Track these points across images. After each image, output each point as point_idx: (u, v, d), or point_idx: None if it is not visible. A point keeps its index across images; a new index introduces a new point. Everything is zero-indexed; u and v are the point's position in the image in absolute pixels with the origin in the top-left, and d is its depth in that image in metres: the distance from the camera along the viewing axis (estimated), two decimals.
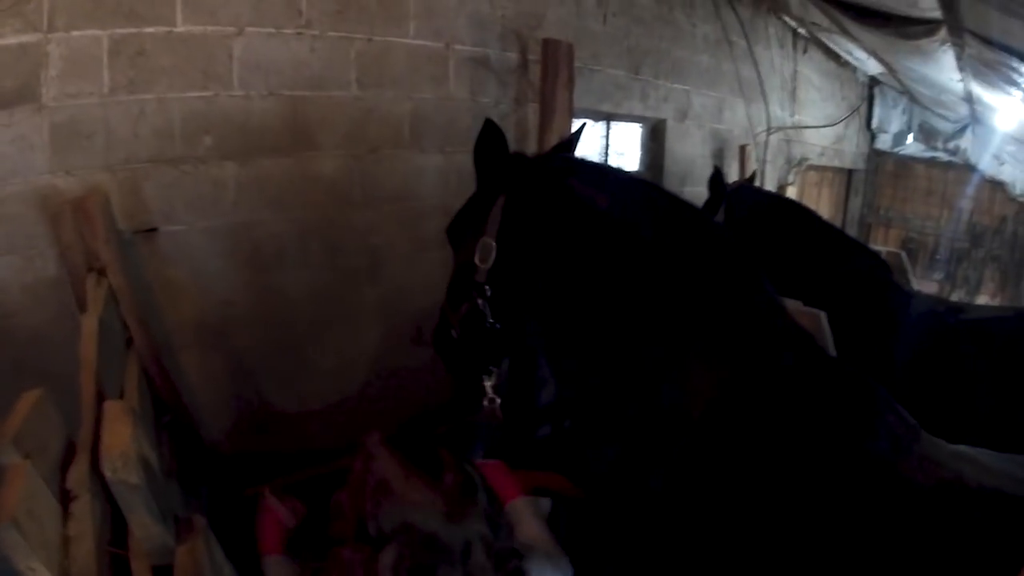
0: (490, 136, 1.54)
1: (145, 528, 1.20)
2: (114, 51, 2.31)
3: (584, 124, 2.05)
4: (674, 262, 1.40)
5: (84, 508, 1.21)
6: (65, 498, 1.23)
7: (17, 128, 2.18)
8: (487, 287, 1.46)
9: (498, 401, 1.62)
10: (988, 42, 3.35)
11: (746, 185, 3.60)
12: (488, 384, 1.60)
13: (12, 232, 2.20)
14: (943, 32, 3.56)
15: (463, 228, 1.59)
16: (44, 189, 2.23)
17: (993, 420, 2.36)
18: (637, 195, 1.48)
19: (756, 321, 1.39)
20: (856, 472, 1.26)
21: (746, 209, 3.19)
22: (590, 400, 1.51)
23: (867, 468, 1.27)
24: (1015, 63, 3.43)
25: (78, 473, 1.29)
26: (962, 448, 1.39)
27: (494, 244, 1.45)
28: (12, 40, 2.13)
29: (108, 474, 1.13)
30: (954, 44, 3.76)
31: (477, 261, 1.47)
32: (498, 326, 1.49)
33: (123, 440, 1.19)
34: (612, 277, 1.40)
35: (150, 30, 2.36)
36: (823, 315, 2.28)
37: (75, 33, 2.23)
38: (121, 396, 1.82)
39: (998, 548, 1.11)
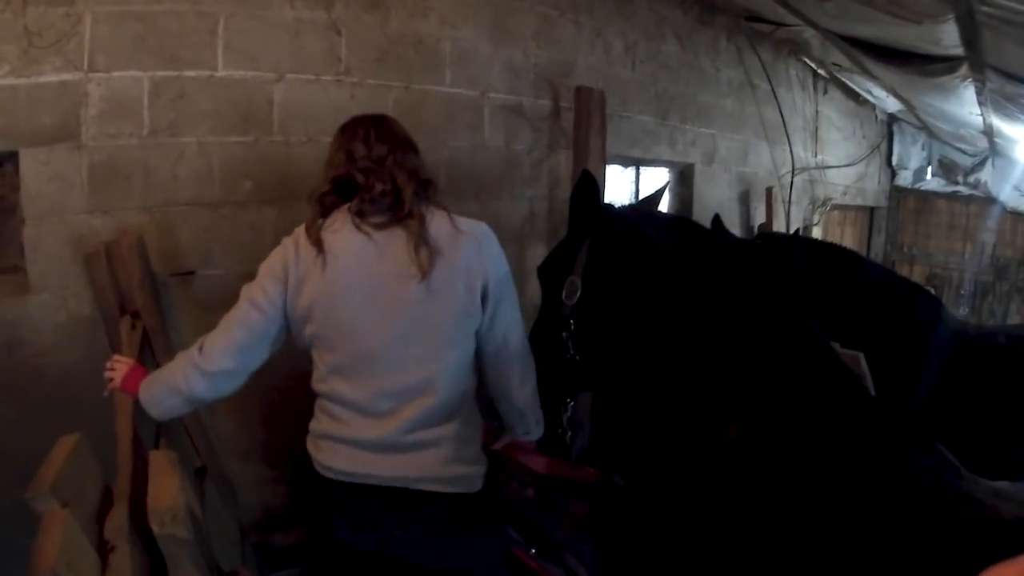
0: (586, 186, 1.65)
1: None
2: (155, 93, 2.29)
3: (668, 183, 2.13)
4: (730, 298, 1.50)
5: (123, 559, 1.16)
6: (103, 548, 1.18)
7: (55, 166, 2.15)
8: (571, 320, 1.57)
9: (569, 433, 1.72)
10: (1009, 76, 3.30)
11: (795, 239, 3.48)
12: (565, 416, 1.71)
13: (47, 271, 2.16)
14: (964, 68, 3.52)
15: (553, 268, 1.69)
16: (81, 228, 2.19)
17: None
18: (696, 237, 1.63)
19: (802, 355, 1.46)
20: (896, 508, 1.27)
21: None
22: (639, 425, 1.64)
23: (907, 505, 1.27)
24: None
25: (116, 522, 1.24)
26: (1002, 484, 1.41)
27: (580, 282, 1.57)
28: (53, 78, 2.11)
29: (156, 528, 1.09)
30: (975, 79, 3.71)
31: (564, 298, 1.58)
32: (578, 358, 1.59)
33: (171, 493, 1.15)
34: (676, 311, 1.51)
35: (191, 73, 2.34)
36: (861, 356, 2.26)
37: (116, 73, 2.20)
38: (157, 442, 1.74)
39: None
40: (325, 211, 1.53)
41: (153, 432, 1.85)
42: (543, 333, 1.68)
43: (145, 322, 2.02)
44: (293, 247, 1.51)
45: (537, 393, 1.62)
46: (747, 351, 1.46)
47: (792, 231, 3.08)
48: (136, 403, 1.61)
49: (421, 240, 1.42)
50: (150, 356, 2.02)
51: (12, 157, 2.12)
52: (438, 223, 1.48)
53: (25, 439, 1.21)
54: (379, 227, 1.46)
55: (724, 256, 1.59)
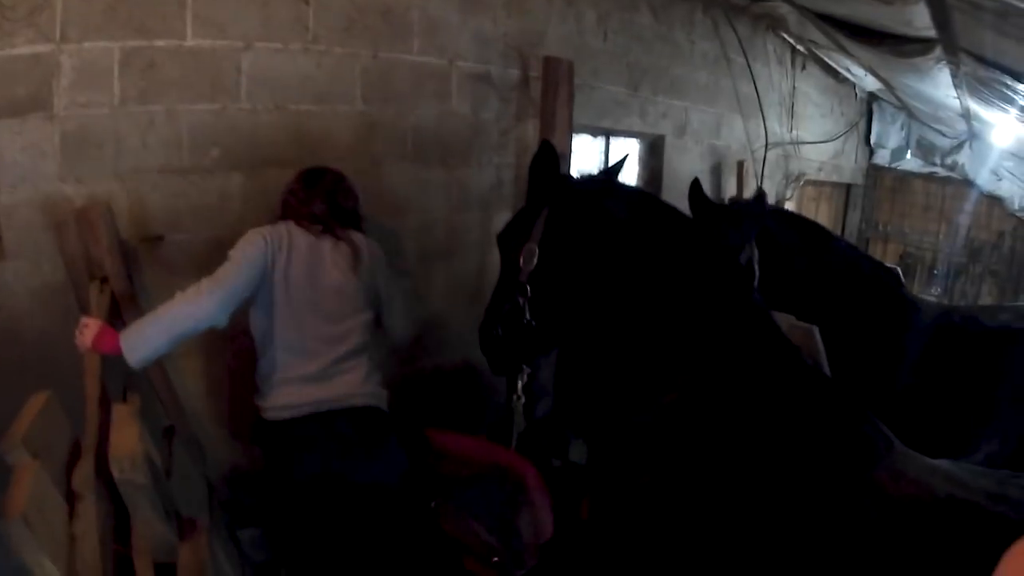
0: (545, 156, 1.70)
1: (149, 526, 1.20)
2: (125, 63, 2.30)
3: (627, 156, 2.25)
4: (675, 269, 1.54)
5: (89, 508, 1.22)
6: (71, 497, 1.23)
7: (28, 136, 2.16)
8: (528, 287, 1.60)
9: (523, 400, 1.83)
10: (983, 61, 3.29)
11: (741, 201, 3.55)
12: (519, 383, 1.80)
13: (21, 238, 2.18)
14: (938, 51, 3.50)
15: (511, 236, 1.72)
16: (54, 196, 2.21)
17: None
18: (650, 210, 1.65)
19: (740, 325, 1.48)
20: (826, 477, 1.29)
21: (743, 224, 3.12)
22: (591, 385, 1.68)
23: (838, 475, 1.29)
24: (1009, 81, 3.36)
25: (83, 474, 1.29)
26: (941, 462, 1.41)
27: (537, 249, 1.60)
28: (25, 50, 2.12)
29: (116, 474, 1.13)
30: (949, 62, 3.69)
31: (521, 264, 1.61)
32: (534, 323, 1.62)
33: (130, 442, 1.20)
34: (626, 277, 1.55)
35: (160, 43, 2.35)
36: (815, 329, 2.28)
37: (87, 44, 2.21)
38: (124, 400, 1.81)
39: (960, 557, 1.13)
40: None
41: (120, 392, 1.92)
42: (500, 299, 1.73)
43: (113, 287, 2.06)
44: None
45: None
46: (689, 319, 1.49)
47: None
48: (104, 362, 1.69)
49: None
50: (119, 319, 2.07)
51: None
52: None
53: (1, 402, 1.26)
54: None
55: (674, 226, 1.62)
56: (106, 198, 2.24)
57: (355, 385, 2.11)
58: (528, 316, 1.62)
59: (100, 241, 2.04)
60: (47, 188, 2.21)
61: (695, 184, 2.91)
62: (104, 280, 2.04)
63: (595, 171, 1.96)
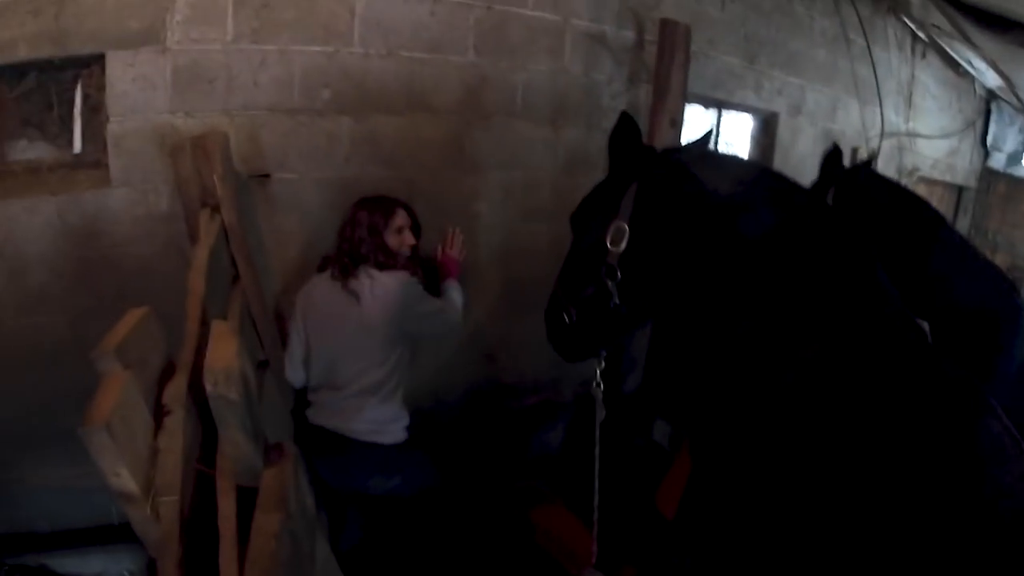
0: (626, 127, 1.51)
1: (236, 446, 1.10)
2: (239, 1, 2.27)
3: (711, 131, 2.19)
4: (789, 248, 1.34)
5: (176, 423, 1.18)
6: (159, 412, 1.19)
7: (140, 68, 2.18)
8: (618, 269, 1.41)
9: (602, 387, 1.65)
10: None
11: (864, 168, 3.18)
12: (598, 369, 1.62)
13: (129, 166, 2.20)
14: None
15: (590, 214, 1.54)
16: (163, 128, 2.22)
17: None
18: (757, 183, 1.43)
19: (864, 304, 1.29)
20: (948, 471, 1.13)
21: (863, 196, 2.80)
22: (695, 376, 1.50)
23: (961, 469, 1.13)
24: None
25: (175, 389, 1.25)
26: None
27: (627, 228, 1.40)
28: None
29: (209, 388, 1.03)
30: None
31: (609, 244, 1.41)
32: (624, 309, 1.44)
33: (227, 357, 1.09)
34: (731, 259, 1.35)
35: None
36: (924, 325, 2.04)
37: None
38: None
39: None
40: None
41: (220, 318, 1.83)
42: (578, 282, 1.55)
43: (224, 216, 2.00)
44: None
45: None
46: (803, 304, 1.31)
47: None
48: (207, 287, 1.61)
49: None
50: (226, 249, 1.99)
51: (99, 59, 2.16)
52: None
53: (98, 326, 1.19)
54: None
55: (783, 201, 1.40)
56: (220, 130, 2.20)
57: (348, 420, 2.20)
58: (617, 300, 1.44)
59: (215, 169, 1.99)
60: (156, 120, 2.22)
61: (834, 150, 2.62)
62: (215, 208, 1.97)
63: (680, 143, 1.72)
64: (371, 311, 2.10)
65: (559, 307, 1.59)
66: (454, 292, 2.43)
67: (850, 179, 2.74)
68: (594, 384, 1.65)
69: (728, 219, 1.35)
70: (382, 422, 2.19)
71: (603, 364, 1.63)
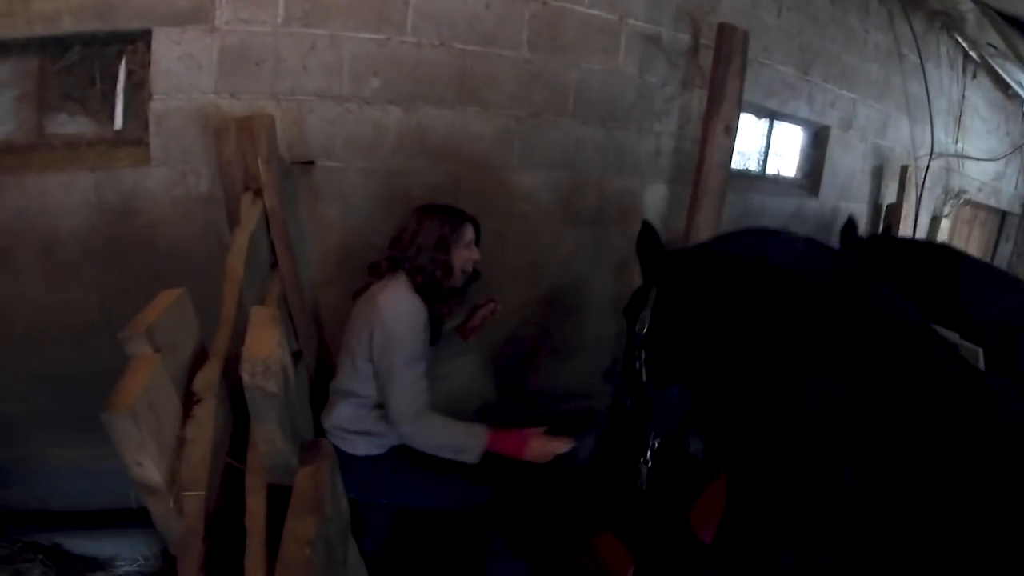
0: (647, 236, 1.67)
1: (271, 442, 0.99)
2: None
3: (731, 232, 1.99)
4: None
5: (207, 413, 1.06)
6: (188, 400, 1.08)
7: (187, 46, 2.11)
8: (643, 350, 1.63)
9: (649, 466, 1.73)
10: None
11: (882, 235, 3.08)
12: (649, 452, 1.72)
13: (169, 145, 2.12)
14: None
15: (632, 308, 1.72)
16: (207, 108, 2.13)
17: None
18: (749, 280, 1.49)
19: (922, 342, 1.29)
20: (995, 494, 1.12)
21: (883, 252, 2.67)
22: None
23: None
24: None
25: (208, 376, 1.13)
26: None
27: (649, 315, 1.62)
28: None
29: (246, 378, 0.92)
30: None
31: (637, 329, 1.64)
32: (651, 388, 1.63)
33: (268, 346, 0.98)
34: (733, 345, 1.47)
35: None
36: (980, 351, 1.99)
37: None
38: None
39: None
40: None
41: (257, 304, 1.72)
42: (627, 368, 1.72)
43: (266, 200, 1.90)
44: None
45: None
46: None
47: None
48: (246, 271, 1.50)
49: None
50: (266, 234, 1.88)
51: (145, 35, 2.08)
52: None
53: (129, 306, 1.10)
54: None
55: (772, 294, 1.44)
56: (266, 113, 2.10)
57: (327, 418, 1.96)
58: (645, 377, 1.64)
59: (259, 151, 1.88)
60: (201, 100, 2.14)
61: (849, 224, 2.56)
62: (257, 192, 1.86)
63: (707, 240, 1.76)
64: (368, 314, 1.83)
65: (620, 395, 1.77)
66: (454, 425, 1.88)
67: (868, 245, 2.71)
68: (641, 461, 1.74)
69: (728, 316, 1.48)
70: (348, 431, 1.90)
71: (656, 445, 1.73)
